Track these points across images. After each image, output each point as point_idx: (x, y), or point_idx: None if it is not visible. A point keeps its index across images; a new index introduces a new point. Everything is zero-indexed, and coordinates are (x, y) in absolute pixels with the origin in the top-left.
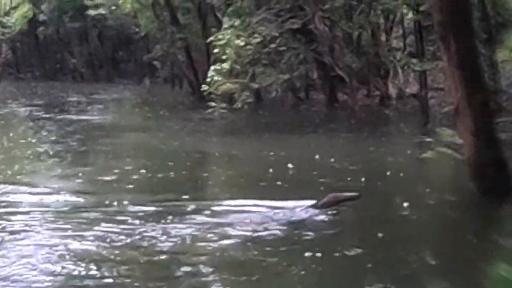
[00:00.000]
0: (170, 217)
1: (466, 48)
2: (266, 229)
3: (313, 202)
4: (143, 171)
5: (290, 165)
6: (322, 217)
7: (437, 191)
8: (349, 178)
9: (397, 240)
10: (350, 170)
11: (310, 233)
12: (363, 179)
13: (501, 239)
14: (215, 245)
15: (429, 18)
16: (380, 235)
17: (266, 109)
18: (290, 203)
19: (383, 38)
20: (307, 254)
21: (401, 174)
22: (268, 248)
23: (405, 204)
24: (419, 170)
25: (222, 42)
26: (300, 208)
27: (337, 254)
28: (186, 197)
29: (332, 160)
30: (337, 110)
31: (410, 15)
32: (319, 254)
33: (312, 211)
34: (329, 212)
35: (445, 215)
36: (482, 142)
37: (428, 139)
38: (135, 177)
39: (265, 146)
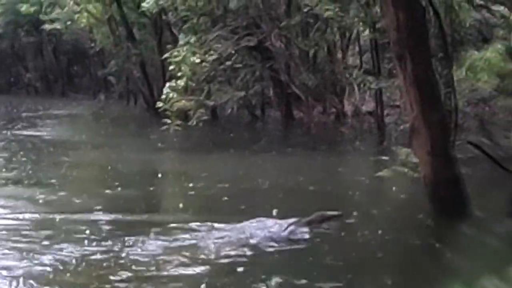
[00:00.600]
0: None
1: (422, 66)
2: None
3: (293, 220)
4: (95, 188)
5: (245, 184)
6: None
7: (394, 210)
8: (307, 198)
9: (351, 262)
10: (307, 190)
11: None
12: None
13: (454, 259)
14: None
15: (385, 35)
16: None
17: (221, 127)
18: (269, 221)
19: (339, 55)
20: None
21: (357, 193)
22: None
23: (362, 225)
24: (375, 189)
25: (177, 59)
26: (285, 225)
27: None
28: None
29: (289, 179)
30: (293, 128)
31: (367, 32)
32: None
33: (298, 228)
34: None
35: (402, 235)
36: (438, 161)
37: (384, 158)
38: (86, 195)
39: (219, 164)
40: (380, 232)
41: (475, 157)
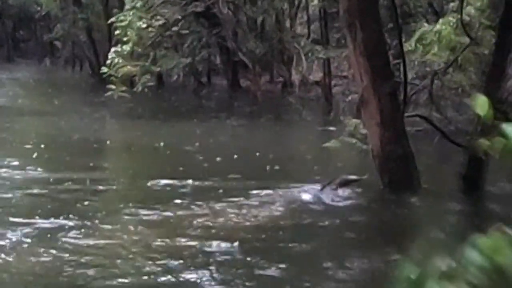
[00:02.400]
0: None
1: (373, 36)
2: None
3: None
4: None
5: (190, 148)
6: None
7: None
8: (253, 165)
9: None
10: (254, 156)
11: None
12: (268, 167)
13: (405, 235)
14: None
15: (334, 4)
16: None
17: (167, 93)
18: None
19: (287, 24)
20: None
21: (303, 163)
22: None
23: (305, 197)
24: (322, 159)
25: (123, 24)
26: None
27: None
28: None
29: (234, 147)
30: (239, 96)
31: (316, 1)
32: None
33: (331, 190)
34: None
35: (347, 207)
36: (388, 134)
37: (331, 128)
38: (31, 164)
39: (164, 132)
40: (325, 203)
41: (424, 130)
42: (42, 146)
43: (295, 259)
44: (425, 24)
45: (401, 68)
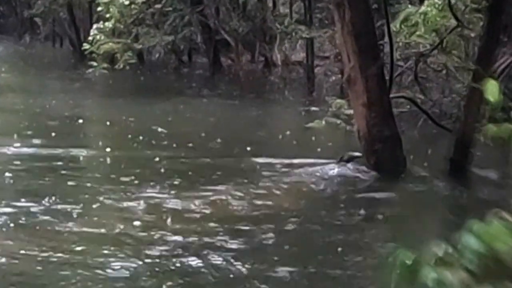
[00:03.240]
0: None
1: (362, 16)
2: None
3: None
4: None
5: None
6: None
7: (320, 163)
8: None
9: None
10: (234, 136)
11: None
12: (248, 148)
13: (394, 220)
14: None
15: None
16: None
17: (148, 71)
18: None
19: (269, 4)
20: None
21: (287, 143)
22: None
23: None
24: (305, 139)
25: (106, 0)
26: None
27: None
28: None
29: (216, 127)
30: (220, 75)
31: None
32: None
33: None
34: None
35: (333, 189)
36: (374, 115)
37: (314, 108)
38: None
39: (144, 110)
40: (310, 184)
41: (408, 112)
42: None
43: None
44: (409, 6)
45: (387, 49)
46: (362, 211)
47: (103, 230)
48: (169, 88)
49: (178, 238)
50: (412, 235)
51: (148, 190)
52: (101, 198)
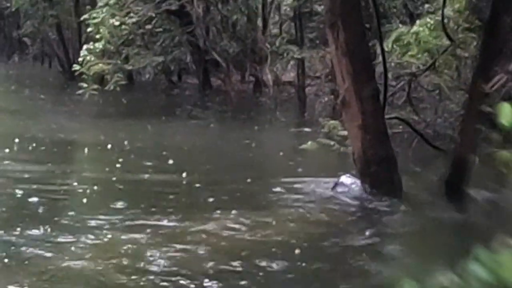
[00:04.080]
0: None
1: (356, 37)
2: None
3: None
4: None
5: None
6: None
7: (317, 185)
8: (232, 168)
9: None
10: (227, 158)
11: None
12: (242, 170)
13: (392, 246)
14: None
15: (307, 5)
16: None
17: (138, 92)
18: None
19: (259, 23)
20: None
21: (280, 166)
22: None
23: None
24: (299, 162)
25: (96, 21)
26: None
27: None
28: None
29: (207, 149)
30: (211, 96)
31: (289, 1)
32: None
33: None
34: None
35: (329, 212)
36: (370, 137)
37: (307, 129)
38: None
39: (135, 131)
40: (305, 208)
41: (401, 133)
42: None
43: None
44: (400, 25)
45: (378, 69)
46: (359, 237)
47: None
48: (160, 109)
49: (174, 267)
50: (414, 261)
51: (142, 216)
52: (90, 226)
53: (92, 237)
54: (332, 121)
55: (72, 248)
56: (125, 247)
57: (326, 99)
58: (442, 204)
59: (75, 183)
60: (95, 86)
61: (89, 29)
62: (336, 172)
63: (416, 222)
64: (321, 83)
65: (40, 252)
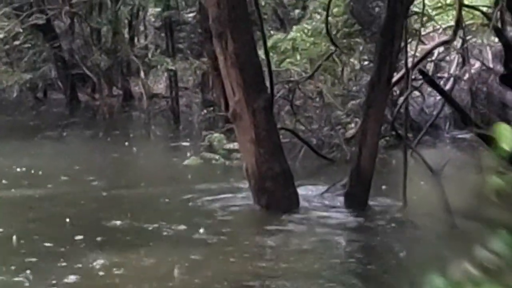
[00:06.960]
0: None
1: (245, 47)
2: None
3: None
4: None
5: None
6: None
7: (208, 204)
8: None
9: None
10: (106, 177)
11: None
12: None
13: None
14: None
15: (177, 15)
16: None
17: (2, 111)
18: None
19: (126, 35)
20: None
21: (162, 185)
22: None
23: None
24: (184, 179)
25: None
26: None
27: None
28: None
29: (77, 168)
30: (79, 111)
31: (157, 11)
32: None
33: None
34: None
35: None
36: (263, 152)
37: (184, 143)
38: None
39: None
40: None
41: (287, 143)
42: None
43: None
44: (271, 32)
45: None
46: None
47: None
48: (26, 127)
49: None
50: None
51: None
52: None
53: None
54: (216, 134)
55: None
56: None
57: (205, 111)
58: (343, 216)
59: None
60: None
61: None
62: (223, 185)
63: (316, 240)
64: (191, 95)
65: None
